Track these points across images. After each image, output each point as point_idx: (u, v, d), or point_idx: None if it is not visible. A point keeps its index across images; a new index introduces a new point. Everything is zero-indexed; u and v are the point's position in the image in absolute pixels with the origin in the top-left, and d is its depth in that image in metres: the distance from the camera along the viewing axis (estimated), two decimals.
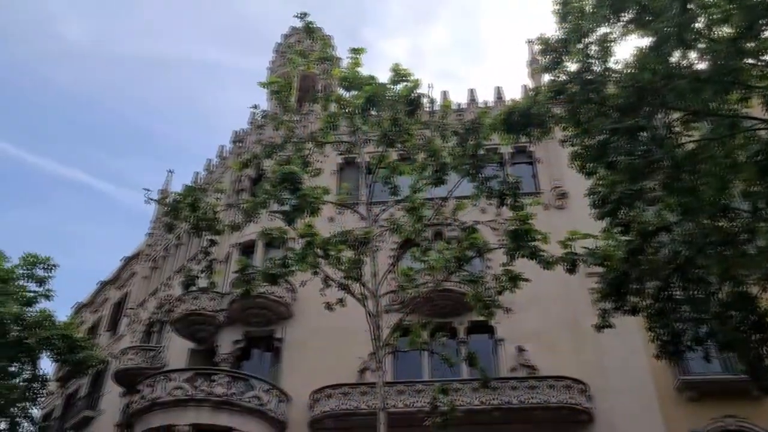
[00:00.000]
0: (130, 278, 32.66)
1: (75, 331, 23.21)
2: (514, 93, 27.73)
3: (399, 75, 10.73)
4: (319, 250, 9.86)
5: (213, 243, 10.41)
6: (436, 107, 11.53)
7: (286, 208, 9.98)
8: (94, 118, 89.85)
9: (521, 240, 9.14)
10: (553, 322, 19.81)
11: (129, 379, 23.86)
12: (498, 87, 27.34)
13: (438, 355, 11.50)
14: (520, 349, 19.49)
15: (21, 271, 17.32)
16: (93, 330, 33.95)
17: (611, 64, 12.41)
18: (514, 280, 10.30)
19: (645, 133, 10.57)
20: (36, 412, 25.11)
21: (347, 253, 10.23)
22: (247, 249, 23.14)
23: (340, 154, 22.05)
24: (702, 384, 17.92)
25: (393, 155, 11.62)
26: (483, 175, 10.09)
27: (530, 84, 26.16)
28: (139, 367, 23.94)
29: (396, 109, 10.48)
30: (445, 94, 25.30)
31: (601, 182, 10.72)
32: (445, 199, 11.41)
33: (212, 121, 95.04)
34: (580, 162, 11.94)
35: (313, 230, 9.92)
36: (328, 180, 20.11)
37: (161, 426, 17.63)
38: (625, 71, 11.58)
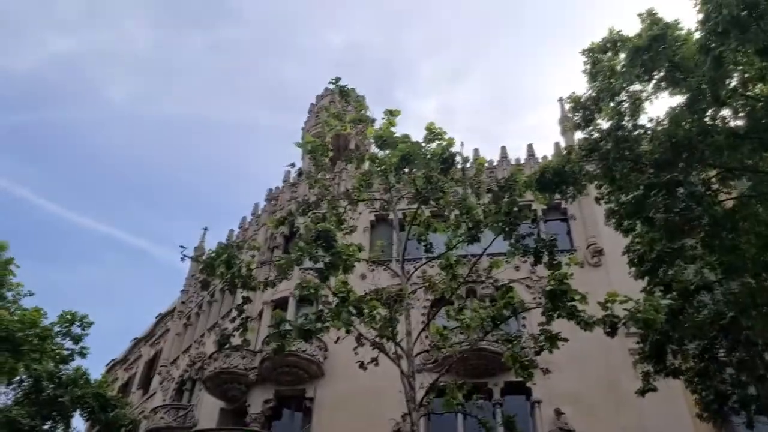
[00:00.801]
0: (164, 335, 32.78)
1: (108, 389, 23.23)
2: (545, 150, 27.85)
3: (433, 134, 10.87)
4: (352, 308, 9.80)
5: (247, 300, 10.45)
6: (469, 165, 11.58)
7: (320, 265, 10.01)
8: (133, 178, 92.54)
9: (559, 300, 8.94)
10: (591, 383, 19.14)
11: None
12: (530, 144, 27.45)
13: (475, 418, 11.16)
14: (558, 413, 18.81)
15: (58, 329, 17.54)
16: (125, 387, 33.95)
17: (644, 122, 12.43)
18: (552, 339, 10.04)
19: (682, 190, 10.43)
20: None
21: (381, 311, 10.14)
22: (280, 306, 23.13)
23: (373, 212, 22.20)
24: None
25: (426, 213, 11.62)
26: (518, 233, 10.02)
27: (562, 142, 26.24)
28: (170, 427, 23.74)
29: (430, 167, 10.58)
30: (476, 151, 25.50)
31: (638, 240, 10.54)
32: (479, 256, 11.29)
33: (248, 180, 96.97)
34: (616, 219, 11.81)
35: (348, 287, 9.90)
36: (361, 237, 20.17)
37: None
38: (659, 128, 11.55)
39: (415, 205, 11.38)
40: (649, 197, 10.45)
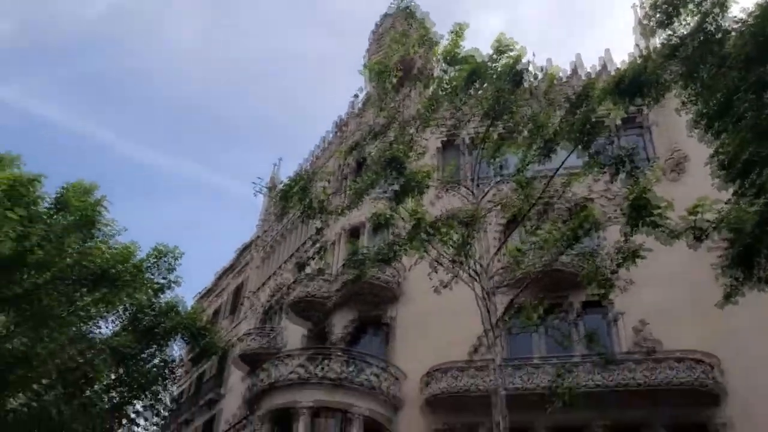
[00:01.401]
0: (246, 266, 34.28)
1: (198, 318, 24.67)
2: (619, 60, 26.13)
3: (502, 46, 10.37)
4: (425, 234, 9.83)
5: (322, 228, 10.68)
6: (541, 77, 11.03)
7: (392, 191, 10.03)
8: (208, 115, 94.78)
9: (641, 212, 8.58)
10: (675, 296, 18.63)
11: (250, 362, 25.18)
12: (607, 49, 25.79)
13: (553, 335, 11.20)
14: (640, 327, 18.60)
15: (151, 262, 18.61)
16: (215, 315, 36.01)
17: (727, 21, 11.45)
18: (632, 255, 9.77)
19: None
20: (172, 391, 27.03)
21: (455, 234, 10.13)
22: (354, 233, 23.58)
23: (441, 137, 21.86)
24: None
25: (497, 132, 11.30)
26: (594, 146, 9.62)
27: (637, 51, 24.67)
28: (259, 350, 25.14)
29: (499, 83, 10.19)
30: (549, 61, 24.33)
31: (726, 144, 9.89)
32: (553, 174, 10.96)
33: (318, 111, 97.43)
34: (705, 122, 11.10)
35: (421, 211, 9.91)
36: (430, 161, 20.00)
37: (282, 404, 18.45)
38: (745, 24, 10.61)
39: (485, 126, 11.09)
40: (736, 99, 9.72)
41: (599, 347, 10.85)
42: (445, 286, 10.69)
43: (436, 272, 10.60)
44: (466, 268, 10.22)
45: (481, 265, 10.29)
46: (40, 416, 17.73)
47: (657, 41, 12.22)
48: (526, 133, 10.68)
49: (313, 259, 10.68)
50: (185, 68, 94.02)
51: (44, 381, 17.33)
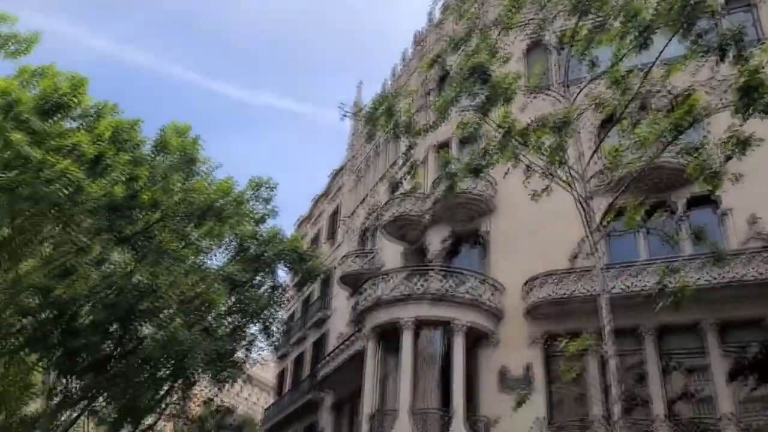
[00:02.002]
0: (339, 191, 35.03)
1: (299, 244, 25.81)
2: None
3: None
4: (516, 140, 9.54)
5: (412, 146, 10.63)
6: None
7: (478, 101, 9.75)
8: (288, 45, 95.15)
9: (753, 94, 7.86)
10: None
11: (353, 282, 26.14)
12: None
13: (659, 233, 10.80)
14: (753, 219, 17.58)
15: (249, 194, 19.43)
16: (315, 240, 37.38)
17: None
18: (743, 143, 9.08)
19: None
20: (282, 314, 28.83)
21: (548, 138, 9.78)
22: (443, 149, 23.35)
23: (525, 39, 20.83)
24: None
25: (586, 27, 10.58)
26: (696, 30, 8.81)
27: None
28: (359, 271, 26.01)
29: None
30: None
31: None
32: (652, 63, 10.20)
33: (395, 27, 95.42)
34: None
35: (511, 118, 9.60)
36: (515, 67, 19.25)
37: (386, 321, 19.15)
38: None
39: (572, 23, 10.41)
40: None
41: (709, 244, 10.34)
42: (543, 192, 10.42)
43: (529, 181, 10.31)
44: (562, 173, 9.88)
45: (572, 172, 9.90)
46: (170, 341, 19.48)
47: None
48: (618, 23, 9.94)
49: (405, 178, 10.68)
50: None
51: (168, 310, 18.88)
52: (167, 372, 24.13)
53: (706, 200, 18.46)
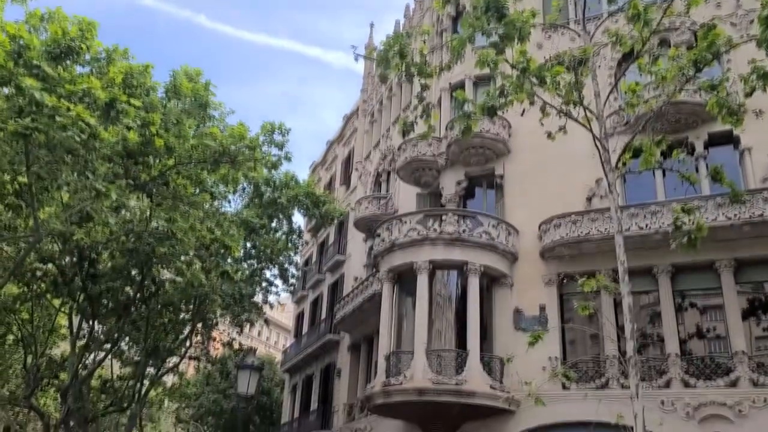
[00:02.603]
0: (353, 134, 34.84)
1: (314, 188, 25.89)
2: None
3: None
4: (533, 78, 9.34)
5: (426, 87, 10.46)
6: None
7: (494, 39, 9.51)
8: None
9: None
10: None
11: (368, 226, 26.33)
12: None
13: (676, 172, 10.67)
14: None
15: (262, 139, 19.38)
16: (329, 185, 37.49)
17: None
18: (766, 76, 8.82)
19: None
20: (298, 259, 29.22)
21: (565, 76, 9.57)
22: (456, 91, 23.01)
23: None
24: None
25: None
26: None
27: None
28: (375, 215, 26.15)
29: None
30: None
31: None
32: None
33: None
34: None
35: (527, 56, 9.38)
36: (531, 2, 18.75)
37: (402, 263, 19.33)
38: None
39: None
40: None
41: (727, 182, 10.22)
42: (559, 131, 10.26)
43: (545, 118, 10.12)
44: (578, 112, 9.71)
45: (589, 111, 9.71)
46: (189, 285, 19.87)
47: None
48: None
49: (417, 121, 10.56)
50: None
51: (186, 255, 19.18)
52: (188, 315, 24.78)
53: (727, 138, 18.18)
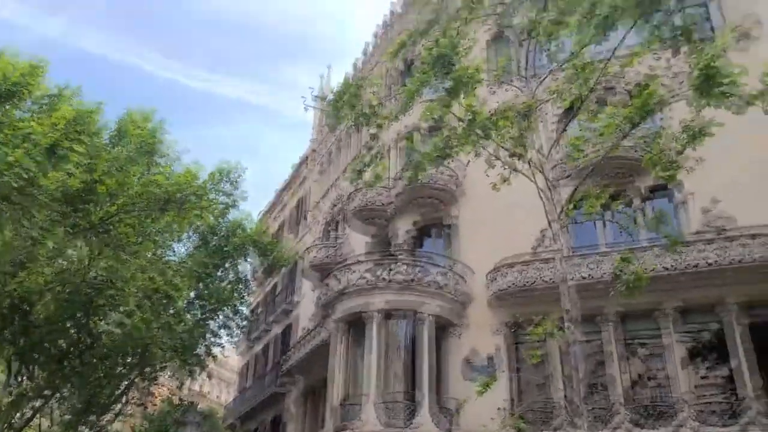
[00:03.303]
0: (303, 182, 34.82)
1: (263, 236, 25.56)
2: None
3: None
4: (480, 129, 9.57)
5: (375, 137, 10.60)
6: None
7: (443, 90, 9.74)
8: (247, 34, 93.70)
9: (710, 81, 7.99)
10: (745, 173, 17.75)
11: (318, 272, 26.06)
12: None
13: (616, 223, 11.02)
14: (709, 206, 17.99)
15: (213, 183, 19.00)
16: (278, 233, 37.11)
17: None
18: (701, 131, 9.26)
19: None
20: (248, 303, 28.60)
21: (511, 129, 9.85)
22: (406, 140, 23.37)
23: (488, 30, 21.00)
24: None
25: (549, 17, 10.65)
26: (653, 20, 8.94)
27: None
28: (326, 260, 25.95)
29: None
30: None
31: None
32: (612, 52, 10.28)
33: (358, 19, 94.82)
34: None
35: (474, 108, 9.63)
36: (477, 58, 19.37)
37: (352, 311, 19.15)
38: None
39: (533, 14, 10.48)
40: None
41: (667, 230, 10.59)
42: (505, 181, 10.52)
43: (493, 168, 10.38)
44: (526, 160, 9.97)
45: (541, 155, 10.01)
46: (131, 335, 19.10)
47: None
48: (578, 14, 10.04)
49: (369, 166, 10.65)
50: None
51: (127, 306, 18.50)
52: (126, 368, 23.72)
53: (664, 189, 18.90)
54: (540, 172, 9.98)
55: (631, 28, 9.27)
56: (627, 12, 8.85)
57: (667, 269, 16.95)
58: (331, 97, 10.41)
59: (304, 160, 35.29)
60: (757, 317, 16.82)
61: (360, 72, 30.13)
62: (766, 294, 16.65)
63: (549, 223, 9.61)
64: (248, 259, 24.28)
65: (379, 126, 10.20)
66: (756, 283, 16.58)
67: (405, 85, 16.90)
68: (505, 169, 10.33)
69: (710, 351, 17.44)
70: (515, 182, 11.14)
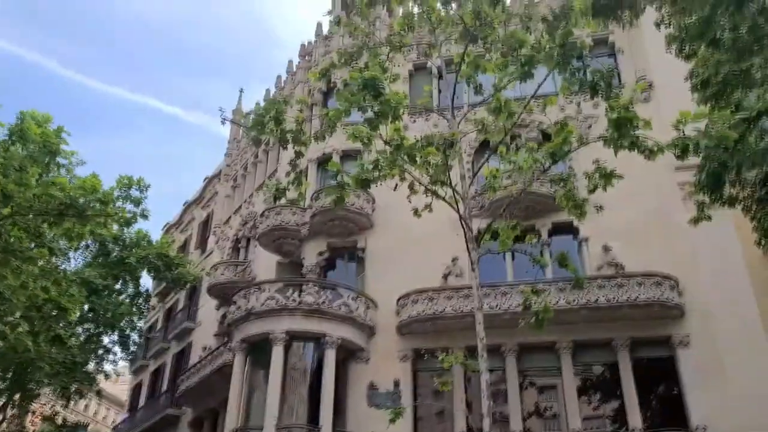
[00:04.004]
0: (213, 197, 33.85)
1: (168, 249, 24.51)
2: None
3: None
4: (403, 157, 9.69)
5: (300, 155, 10.47)
6: None
7: (366, 117, 9.78)
8: (160, 45, 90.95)
9: (623, 128, 8.55)
10: (640, 218, 19.15)
11: (222, 293, 25.29)
12: None
13: (528, 256, 11.40)
14: (607, 248, 19.11)
15: (117, 194, 18.17)
16: (183, 248, 35.76)
17: None
18: (608, 176, 9.86)
19: (753, 5, 9.60)
20: (141, 324, 27.14)
21: (435, 157, 10.04)
22: (324, 164, 23.31)
23: (411, 61, 21.50)
24: None
25: (472, 53, 11.03)
26: (571, 66, 9.48)
27: None
28: (230, 281, 25.22)
29: (479, 1, 9.86)
30: None
31: (703, 63, 9.89)
32: (534, 92, 10.82)
33: (276, 38, 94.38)
34: (678, 43, 11.09)
35: (401, 134, 9.75)
36: (400, 87, 19.72)
37: (258, 333, 18.64)
38: None
39: (458, 49, 10.84)
40: (716, 16, 9.65)
41: (572, 268, 11.09)
42: (426, 207, 10.71)
43: (416, 194, 10.54)
44: (447, 189, 10.18)
45: (463, 184, 10.26)
46: (15, 349, 17.63)
47: None
48: (499, 53, 10.49)
49: (288, 189, 10.51)
50: None
51: (13, 316, 17.13)
52: (5, 382, 21.87)
53: (568, 228, 19.84)
54: (462, 200, 10.20)
55: (551, 71, 9.76)
56: (546, 60, 9.33)
57: (568, 304, 17.70)
58: (254, 112, 10.22)
59: (217, 175, 34.40)
60: (646, 353, 17.90)
61: (281, 91, 29.94)
62: (653, 332, 17.78)
63: (468, 252, 9.78)
64: (151, 273, 23.12)
65: (304, 144, 10.10)
66: (646, 321, 17.68)
67: (326, 107, 16.96)
68: (427, 196, 10.48)
69: (603, 384, 18.31)
70: (426, 212, 11.36)
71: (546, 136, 17.22)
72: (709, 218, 12.99)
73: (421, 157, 9.75)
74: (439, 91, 21.30)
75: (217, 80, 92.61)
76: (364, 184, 9.12)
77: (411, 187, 10.44)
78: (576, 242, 20.07)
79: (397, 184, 9.98)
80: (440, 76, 16.05)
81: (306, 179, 23.06)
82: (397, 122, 9.56)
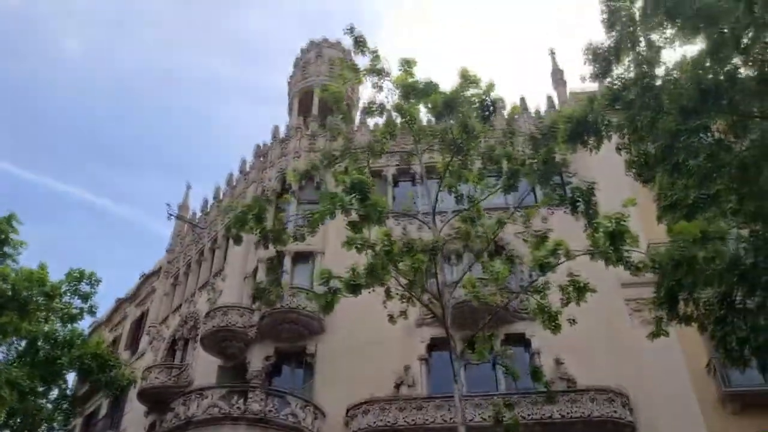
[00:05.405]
0: (150, 295, 32.33)
1: (104, 350, 22.88)
2: (535, 103, 27.23)
3: (468, 80, 10.55)
4: (390, 262, 9.66)
5: (281, 254, 10.27)
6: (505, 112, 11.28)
7: (351, 220, 9.79)
8: (93, 136, 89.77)
9: (615, 242, 8.86)
10: (589, 334, 19.27)
11: (154, 398, 23.57)
12: (549, 96, 26.75)
13: (505, 367, 11.29)
14: (559, 361, 19.18)
15: (65, 288, 17.05)
16: (112, 348, 33.52)
17: (661, 71, 12.32)
18: (581, 290, 10.09)
19: (709, 136, 10.43)
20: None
21: (422, 264, 10.03)
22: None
23: (393, 165, 21.86)
24: (747, 396, 17.68)
25: (456, 163, 11.41)
26: (552, 182, 9.91)
27: (555, 95, 26.23)
28: (165, 386, 23.61)
29: (469, 114, 10.32)
30: (523, 100, 25.96)
31: (667, 187, 10.53)
32: (517, 205, 11.20)
33: (219, 135, 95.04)
34: (636, 169, 11.80)
35: (391, 239, 9.75)
36: (382, 191, 19.96)
37: None
38: (682, 75, 11.45)
39: (439, 157, 11.21)
40: (677, 144, 10.42)
41: (544, 381, 10.97)
42: (400, 315, 10.55)
43: (391, 300, 10.41)
44: (423, 295, 10.11)
45: (448, 289, 10.24)
46: None
47: (594, 86, 12.90)
48: (481, 164, 10.88)
49: (271, 285, 10.22)
50: (72, 83, 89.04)
51: None
52: None
53: (520, 339, 19.89)
54: (442, 308, 10.12)
55: (533, 186, 10.15)
56: (529, 174, 9.74)
57: (523, 419, 17.38)
58: (239, 209, 10.07)
59: (156, 272, 33.05)
60: None
61: (233, 190, 29.72)
62: None
63: (451, 362, 9.59)
64: (81, 375, 21.35)
65: (284, 243, 9.93)
66: None
67: (278, 208, 16.93)
68: (402, 302, 10.36)
69: None
70: (379, 320, 11.28)
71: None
72: (667, 334, 13.34)
73: (405, 263, 9.73)
74: (421, 196, 21.65)
75: (153, 175, 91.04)
76: (354, 289, 8.95)
77: (387, 292, 10.34)
78: (528, 354, 20.06)
79: (373, 289, 9.84)
80: (423, 182, 16.46)
81: (254, 278, 22.45)
82: (381, 226, 9.59)
